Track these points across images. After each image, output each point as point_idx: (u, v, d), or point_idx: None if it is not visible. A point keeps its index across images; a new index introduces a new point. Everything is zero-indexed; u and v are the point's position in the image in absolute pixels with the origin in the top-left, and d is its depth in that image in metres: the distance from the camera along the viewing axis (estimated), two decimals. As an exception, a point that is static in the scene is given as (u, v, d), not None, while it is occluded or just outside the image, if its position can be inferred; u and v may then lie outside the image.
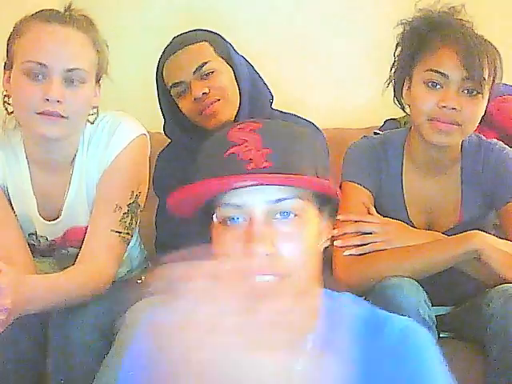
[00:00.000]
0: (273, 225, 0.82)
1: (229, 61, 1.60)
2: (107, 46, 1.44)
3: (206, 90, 1.54)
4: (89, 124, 1.46)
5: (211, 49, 1.58)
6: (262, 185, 0.81)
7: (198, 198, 0.86)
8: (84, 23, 1.38)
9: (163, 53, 1.61)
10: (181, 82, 1.56)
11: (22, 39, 1.35)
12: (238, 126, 0.86)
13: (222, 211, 0.84)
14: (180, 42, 1.58)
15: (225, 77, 1.58)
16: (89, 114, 1.45)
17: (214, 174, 0.83)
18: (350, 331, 0.91)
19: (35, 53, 1.32)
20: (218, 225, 0.85)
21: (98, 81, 1.43)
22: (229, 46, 1.63)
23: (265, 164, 0.82)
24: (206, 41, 1.58)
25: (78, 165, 1.46)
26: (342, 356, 0.88)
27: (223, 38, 1.63)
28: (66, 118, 1.33)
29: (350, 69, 2.35)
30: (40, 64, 1.31)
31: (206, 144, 0.90)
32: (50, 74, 1.31)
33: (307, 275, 0.85)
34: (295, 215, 0.83)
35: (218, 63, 1.57)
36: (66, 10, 1.38)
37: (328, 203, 0.90)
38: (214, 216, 0.85)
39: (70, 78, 1.33)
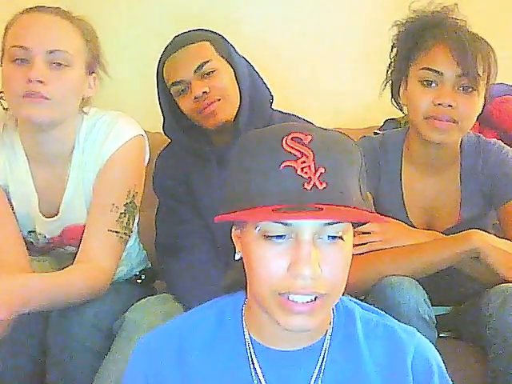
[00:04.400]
0: (319, 246, 0.81)
1: (229, 61, 1.59)
2: (96, 37, 1.45)
3: (207, 90, 1.54)
4: (86, 122, 1.47)
5: (212, 48, 1.58)
6: (325, 219, 0.80)
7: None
8: (72, 15, 1.40)
9: (164, 51, 1.60)
10: (181, 80, 1.56)
11: (10, 31, 1.37)
12: (292, 135, 0.82)
13: (268, 227, 0.81)
14: (181, 41, 1.58)
15: (225, 77, 1.57)
16: (82, 106, 1.45)
17: (272, 191, 0.80)
18: (361, 337, 0.93)
19: (18, 37, 1.34)
20: (259, 238, 0.82)
21: (90, 72, 1.44)
22: (230, 46, 1.63)
23: (321, 185, 0.79)
24: (207, 40, 1.58)
25: (76, 161, 1.46)
26: (355, 359, 0.90)
27: (224, 38, 1.63)
28: (50, 99, 1.33)
29: (350, 69, 2.35)
30: (22, 47, 1.33)
31: (252, 145, 0.85)
32: (32, 56, 1.32)
33: (341, 291, 0.86)
34: (340, 237, 0.82)
35: (218, 63, 1.57)
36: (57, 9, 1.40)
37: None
38: (257, 229, 0.82)
39: (54, 61, 1.34)
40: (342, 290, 0.86)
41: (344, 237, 0.83)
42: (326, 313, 0.85)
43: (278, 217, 0.78)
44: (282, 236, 0.81)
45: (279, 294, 0.81)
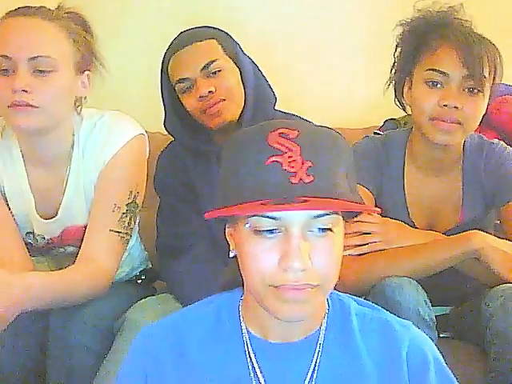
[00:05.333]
0: (309, 239, 0.82)
1: (236, 60, 1.58)
2: (92, 35, 1.43)
3: (213, 89, 1.52)
4: (85, 123, 1.46)
5: (219, 47, 1.56)
6: (312, 209, 0.81)
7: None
8: (54, 13, 1.37)
9: (170, 47, 1.58)
10: (187, 78, 1.54)
11: None
12: (278, 131, 0.83)
13: (258, 222, 0.82)
14: (188, 38, 1.56)
15: (231, 77, 1.56)
16: (77, 105, 1.44)
17: (259, 186, 0.81)
18: (356, 330, 0.94)
19: (0, 46, 1.32)
20: (250, 233, 0.83)
21: (82, 71, 1.41)
22: (236, 45, 1.61)
23: (308, 178, 0.80)
24: (214, 38, 1.57)
25: (75, 163, 1.45)
26: (351, 351, 0.92)
27: (231, 37, 1.62)
28: (37, 107, 1.32)
29: (350, 69, 2.35)
30: (4, 57, 1.31)
31: (240, 142, 0.86)
32: (15, 65, 1.31)
33: (333, 283, 0.87)
34: (330, 230, 0.83)
35: (225, 62, 1.56)
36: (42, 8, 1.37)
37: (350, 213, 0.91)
38: (247, 225, 0.83)
39: (37, 67, 1.32)
40: (335, 282, 0.87)
41: (334, 229, 0.84)
42: (318, 302, 0.86)
43: (263, 210, 0.80)
44: (271, 230, 0.82)
45: (273, 286, 0.83)
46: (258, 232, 0.82)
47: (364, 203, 0.89)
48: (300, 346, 0.91)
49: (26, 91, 1.30)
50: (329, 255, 0.83)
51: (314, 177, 0.81)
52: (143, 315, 1.39)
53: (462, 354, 1.43)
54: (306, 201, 0.79)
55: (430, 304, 1.34)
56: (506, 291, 1.30)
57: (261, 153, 0.82)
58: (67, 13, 1.40)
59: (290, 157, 0.81)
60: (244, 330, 0.92)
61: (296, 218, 0.81)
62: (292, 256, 0.80)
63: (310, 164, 0.81)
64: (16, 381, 1.36)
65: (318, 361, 0.91)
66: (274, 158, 0.81)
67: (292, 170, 0.81)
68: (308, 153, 0.82)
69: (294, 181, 0.80)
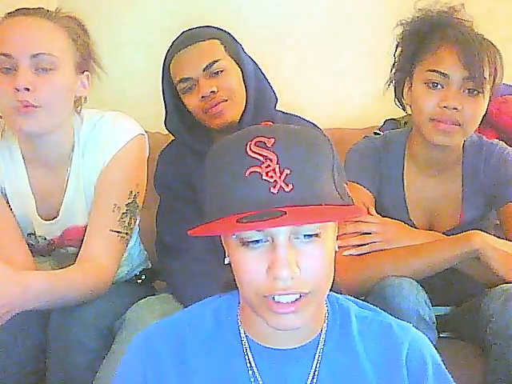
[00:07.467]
0: (295, 246, 0.81)
1: (238, 61, 1.58)
2: (90, 38, 1.42)
3: (215, 89, 1.53)
4: (86, 123, 1.46)
5: (222, 47, 1.57)
6: (288, 225, 0.79)
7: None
8: (55, 14, 1.37)
9: (172, 46, 1.59)
10: (189, 78, 1.55)
11: None
12: (255, 140, 0.81)
13: (244, 233, 0.81)
14: (191, 37, 1.57)
15: (233, 77, 1.57)
16: (77, 106, 1.44)
17: (240, 199, 0.80)
18: (356, 334, 0.94)
19: (1, 45, 1.31)
20: (237, 244, 0.83)
21: (82, 71, 1.41)
22: (238, 45, 1.61)
23: (287, 187, 0.79)
24: (217, 39, 1.57)
25: (75, 164, 1.46)
26: (351, 356, 0.92)
27: (233, 37, 1.62)
28: (39, 107, 1.31)
29: (350, 69, 2.35)
30: (5, 55, 1.30)
31: (219, 154, 0.85)
32: (16, 63, 1.30)
33: (327, 288, 0.87)
34: (317, 235, 0.82)
35: (227, 62, 1.56)
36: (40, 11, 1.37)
37: None
38: (234, 236, 0.83)
39: (39, 65, 1.31)
40: (328, 286, 0.86)
41: (321, 234, 0.82)
42: (313, 309, 0.86)
43: (237, 228, 0.79)
44: (258, 241, 0.81)
45: (264, 296, 0.82)
46: (244, 243, 0.82)
47: (353, 203, 0.87)
48: (300, 352, 0.91)
49: (28, 89, 1.29)
50: (317, 261, 0.83)
51: (294, 185, 0.79)
52: (143, 315, 1.39)
53: (461, 354, 1.42)
54: (284, 212, 0.77)
55: (429, 304, 1.34)
56: (506, 291, 1.30)
57: (240, 165, 0.81)
58: (66, 16, 1.41)
59: (268, 166, 0.80)
60: (243, 335, 0.92)
61: (281, 227, 0.80)
62: (279, 265, 0.80)
63: (288, 172, 0.80)
64: (16, 381, 1.36)
65: (317, 366, 0.91)
66: (252, 169, 0.80)
67: (271, 180, 0.79)
68: (285, 160, 0.80)
69: (273, 191, 0.79)
